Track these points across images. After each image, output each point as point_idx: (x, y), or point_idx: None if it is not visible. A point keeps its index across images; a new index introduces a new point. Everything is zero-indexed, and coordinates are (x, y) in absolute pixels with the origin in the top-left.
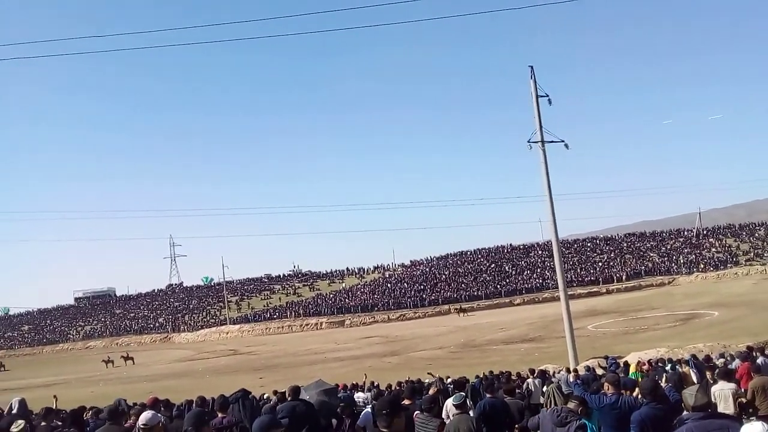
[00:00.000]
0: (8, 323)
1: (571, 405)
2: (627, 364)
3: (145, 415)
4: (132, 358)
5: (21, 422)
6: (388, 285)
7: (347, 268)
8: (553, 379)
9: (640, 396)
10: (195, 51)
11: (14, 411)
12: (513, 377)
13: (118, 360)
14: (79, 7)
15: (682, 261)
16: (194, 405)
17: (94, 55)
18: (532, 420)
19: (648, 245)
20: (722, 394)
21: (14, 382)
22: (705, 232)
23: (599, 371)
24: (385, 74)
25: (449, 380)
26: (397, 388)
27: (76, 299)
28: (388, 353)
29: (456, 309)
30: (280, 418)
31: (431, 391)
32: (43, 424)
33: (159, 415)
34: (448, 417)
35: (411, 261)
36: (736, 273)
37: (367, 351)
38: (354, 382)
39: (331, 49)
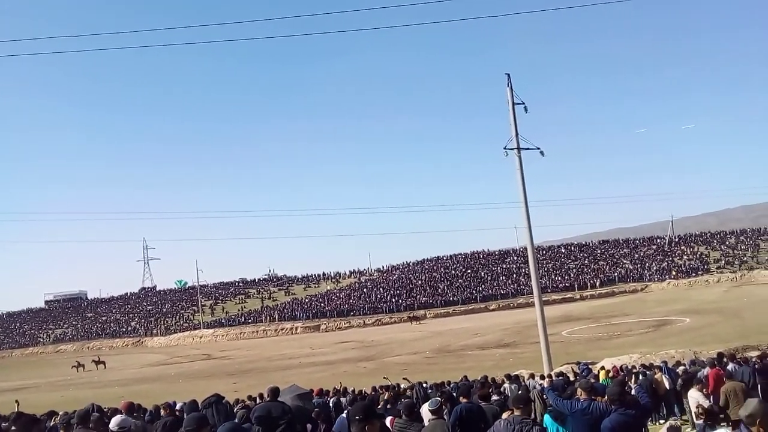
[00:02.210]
0: None
1: (516, 412)
2: (602, 370)
3: (116, 420)
4: (103, 363)
5: None
6: (364, 290)
7: (323, 273)
8: (532, 384)
9: (609, 402)
10: (170, 54)
11: None
12: (487, 383)
13: (89, 364)
14: (49, 6)
15: (654, 268)
16: (161, 411)
17: (69, 56)
18: None
19: (621, 252)
20: (693, 402)
21: None
22: (677, 239)
23: (572, 377)
24: (362, 81)
25: (426, 385)
26: (372, 393)
27: (46, 302)
28: (364, 358)
29: (409, 317)
30: (254, 418)
31: (386, 396)
32: (13, 428)
33: (131, 419)
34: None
35: (387, 266)
36: (707, 280)
37: (342, 356)
38: (337, 387)
39: (304, 56)
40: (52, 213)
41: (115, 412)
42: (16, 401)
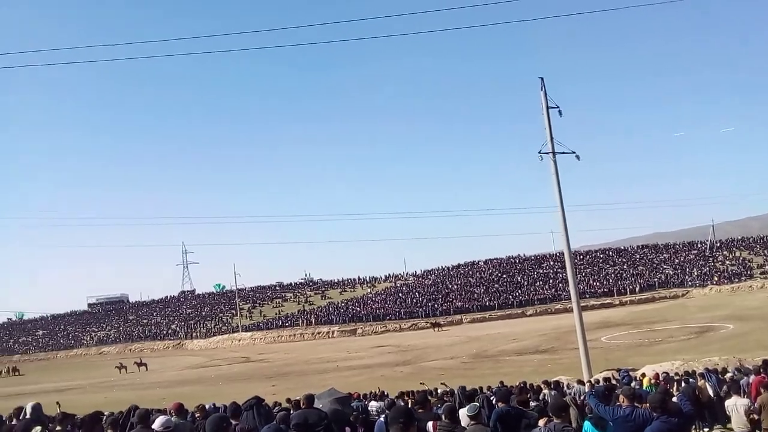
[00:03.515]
0: (23, 328)
1: (556, 419)
2: (644, 376)
3: (160, 420)
4: (145, 364)
5: (38, 428)
6: (400, 294)
7: (359, 277)
8: (567, 391)
9: (651, 410)
10: (209, 60)
11: (28, 416)
12: (525, 388)
13: (131, 366)
14: (87, 16)
15: (695, 273)
16: (194, 414)
17: (112, 64)
18: None
19: (661, 257)
20: (734, 409)
21: (29, 386)
22: (718, 244)
23: (613, 383)
24: (395, 85)
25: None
26: (407, 398)
27: (89, 305)
28: (400, 363)
29: (431, 324)
30: (292, 426)
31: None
32: (58, 429)
33: (173, 419)
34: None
35: (423, 270)
36: (750, 286)
37: (379, 360)
38: (374, 391)
39: (342, 60)
40: (94, 218)
41: (163, 413)
42: (57, 403)
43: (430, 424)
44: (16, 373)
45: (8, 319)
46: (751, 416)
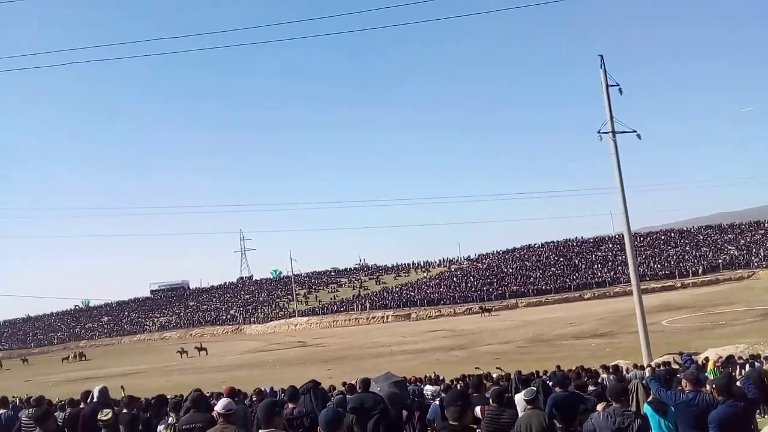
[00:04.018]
0: (89, 315)
1: (616, 404)
2: (708, 360)
3: (222, 403)
4: (205, 349)
5: (108, 411)
6: (454, 279)
7: (413, 262)
8: (633, 374)
9: (716, 394)
10: (271, 47)
11: (95, 399)
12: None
13: (191, 351)
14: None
15: (762, 254)
16: (251, 397)
17: (170, 55)
18: (586, 425)
19: (726, 238)
20: None
21: (95, 371)
22: None
23: (675, 367)
24: (450, 70)
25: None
26: (459, 382)
27: (151, 291)
28: (455, 347)
29: (481, 308)
30: (348, 409)
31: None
32: (124, 411)
33: (233, 402)
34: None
35: (477, 254)
36: None
37: (433, 344)
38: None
39: (400, 44)
40: (156, 207)
41: (219, 396)
42: (122, 387)
43: (478, 408)
44: (83, 358)
45: (75, 306)
46: None
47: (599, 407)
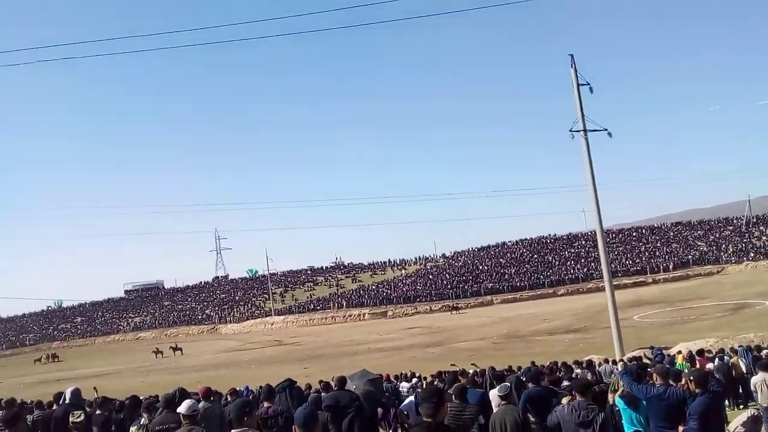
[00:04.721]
0: (62, 315)
1: (580, 397)
2: (679, 354)
3: (187, 404)
4: (180, 349)
5: (79, 412)
6: (430, 276)
7: (389, 260)
8: (606, 369)
9: (694, 387)
10: (230, 44)
11: (67, 401)
12: (555, 368)
13: (166, 351)
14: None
15: (731, 250)
16: (226, 397)
17: (137, 48)
18: (551, 418)
19: (695, 234)
20: (762, 386)
21: (68, 372)
22: (755, 219)
23: (645, 362)
24: (422, 63)
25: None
26: (437, 378)
27: (126, 291)
28: (431, 344)
29: (448, 307)
30: (324, 407)
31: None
32: (98, 412)
33: (198, 404)
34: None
35: (452, 252)
36: None
37: (409, 342)
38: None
39: (366, 38)
40: (130, 206)
41: (193, 396)
42: (95, 388)
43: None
44: (56, 360)
45: (47, 307)
46: None
47: (564, 401)
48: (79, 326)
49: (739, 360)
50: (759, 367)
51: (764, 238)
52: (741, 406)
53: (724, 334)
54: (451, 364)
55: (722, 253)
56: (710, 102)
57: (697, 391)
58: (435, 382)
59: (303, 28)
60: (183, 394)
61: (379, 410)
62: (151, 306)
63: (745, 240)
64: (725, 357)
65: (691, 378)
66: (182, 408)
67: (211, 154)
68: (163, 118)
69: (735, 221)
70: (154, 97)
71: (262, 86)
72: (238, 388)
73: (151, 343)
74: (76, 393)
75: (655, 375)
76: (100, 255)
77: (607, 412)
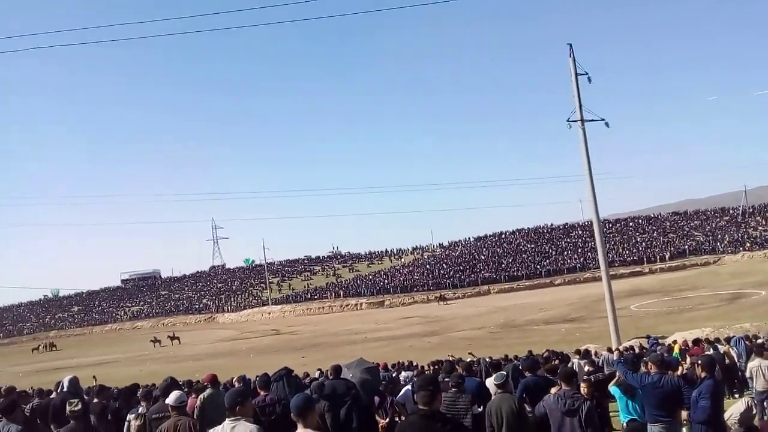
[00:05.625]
0: (59, 305)
1: (565, 386)
2: (675, 343)
3: (174, 395)
4: (178, 338)
5: (76, 401)
6: (427, 266)
7: (386, 250)
8: (604, 357)
9: (700, 371)
10: (243, 34)
11: (65, 389)
12: (551, 357)
13: (164, 340)
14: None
15: (727, 240)
16: (235, 383)
17: (137, 41)
18: (538, 407)
19: (692, 224)
20: (759, 371)
21: (65, 361)
22: (751, 210)
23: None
24: (419, 56)
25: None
26: (434, 367)
27: (122, 281)
28: (428, 333)
29: (436, 297)
30: (319, 396)
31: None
32: (95, 401)
33: (185, 394)
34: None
35: (449, 242)
36: None
37: (407, 331)
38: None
39: (368, 30)
40: (127, 195)
41: (190, 384)
42: (94, 377)
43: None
44: (54, 349)
45: (44, 296)
46: None
47: (553, 390)
48: (76, 315)
49: (731, 349)
50: (756, 353)
51: (760, 228)
52: (736, 395)
53: (720, 324)
54: (449, 355)
55: (718, 243)
56: (708, 92)
57: (703, 375)
58: (430, 370)
59: (300, 17)
60: (172, 383)
61: (376, 399)
62: (148, 295)
63: (741, 230)
64: (718, 346)
65: (699, 362)
66: (170, 399)
67: (208, 143)
68: (158, 108)
69: (731, 211)
70: (152, 88)
71: (260, 76)
72: (245, 376)
73: (148, 332)
74: (73, 381)
75: (650, 364)
76: (97, 244)
77: (592, 402)
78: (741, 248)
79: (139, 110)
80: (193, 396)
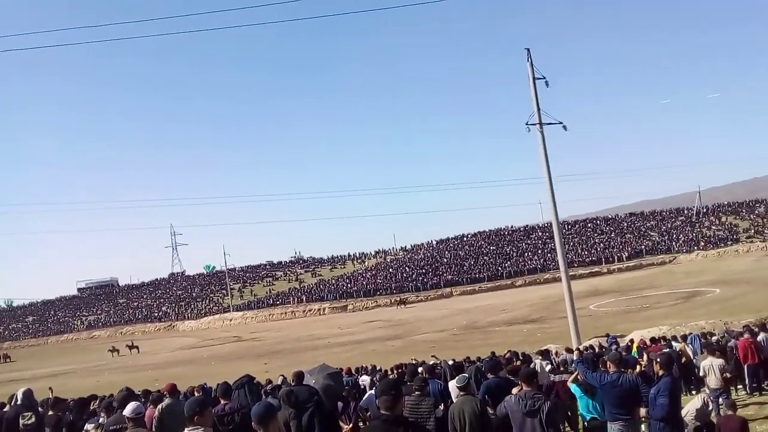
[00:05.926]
0: (12, 315)
1: (526, 387)
2: (632, 342)
3: (131, 407)
4: (137, 347)
5: (30, 414)
6: (390, 269)
7: (348, 254)
8: (563, 358)
9: (658, 369)
10: (196, 38)
11: (19, 402)
12: (512, 357)
13: (123, 349)
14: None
15: (682, 239)
16: (195, 393)
17: (94, 42)
18: (499, 408)
19: (648, 224)
20: (710, 368)
21: (20, 372)
22: (705, 210)
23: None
24: (379, 59)
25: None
26: (397, 371)
27: (79, 289)
28: (392, 337)
29: (396, 301)
30: (288, 404)
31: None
32: (50, 413)
33: (142, 405)
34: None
35: (412, 245)
36: (736, 250)
37: (370, 335)
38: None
39: (326, 35)
40: (82, 202)
41: (147, 394)
42: (50, 388)
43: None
44: (7, 360)
45: None
46: (725, 375)
47: (514, 390)
48: (30, 326)
49: (686, 346)
50: (708, 352)
51: (714, 228)
52: (693, 392)
53: (677, 322)
54: (412, 359)
55: (674, 243)
56: (663, 95)
57: (661, 372)
58: (392, 375)
59: (263, 20)
60: (128, 394)
61: (340, 404)
62: (105, 304)
63: (696, 230)
64: (674, 344)
65: (658, 360)
66: (127, 411)
67: (167, 149)
68: (113, 112)
69: (686, 212)
70: (108, 90)
71: (220, 81)
72: (205, 385)
73: (106, 341)
74: (27, 394)
75: (608, 362)
76: (52, 253)
77: (552, 402)
78: (695, 248)
79: (92, 115)
80: (151, 406)
